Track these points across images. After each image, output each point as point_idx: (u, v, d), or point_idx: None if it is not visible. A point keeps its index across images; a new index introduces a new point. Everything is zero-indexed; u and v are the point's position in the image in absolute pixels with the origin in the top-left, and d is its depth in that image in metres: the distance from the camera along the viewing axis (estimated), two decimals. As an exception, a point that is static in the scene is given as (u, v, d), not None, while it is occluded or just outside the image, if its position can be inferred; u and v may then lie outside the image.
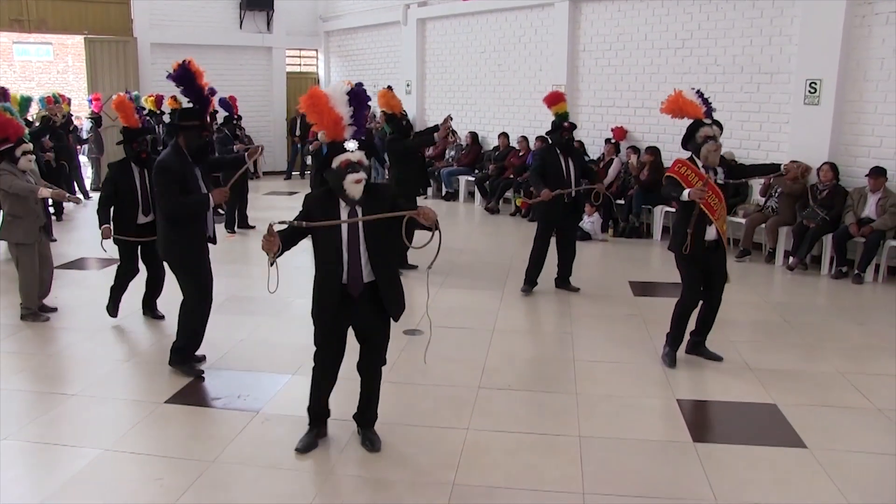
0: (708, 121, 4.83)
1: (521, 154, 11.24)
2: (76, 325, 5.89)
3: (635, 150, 9.79)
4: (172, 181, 4.47)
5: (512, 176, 11.07)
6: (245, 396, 4.51)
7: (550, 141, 6.72)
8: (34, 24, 13.57)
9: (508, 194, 11.20)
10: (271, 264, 3.41)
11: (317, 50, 16.59)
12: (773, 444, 3.91)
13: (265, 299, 6.67)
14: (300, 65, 16.69)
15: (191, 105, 4.75)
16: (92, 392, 4.57)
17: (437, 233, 3.33)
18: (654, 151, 9.42)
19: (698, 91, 4.97)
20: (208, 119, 4.71)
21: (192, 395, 4.58)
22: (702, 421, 4.20)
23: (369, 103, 3.69)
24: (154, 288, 5.96)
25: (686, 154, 4.93)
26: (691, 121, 4.87)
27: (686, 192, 4.66)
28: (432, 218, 3.36)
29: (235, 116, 10.63)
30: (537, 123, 11.47)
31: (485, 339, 5.55)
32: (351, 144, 3.46)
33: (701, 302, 5.03)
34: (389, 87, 7.72)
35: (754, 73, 8.73)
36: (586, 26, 10.69)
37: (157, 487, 3.48)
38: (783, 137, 8.55)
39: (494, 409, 4.31)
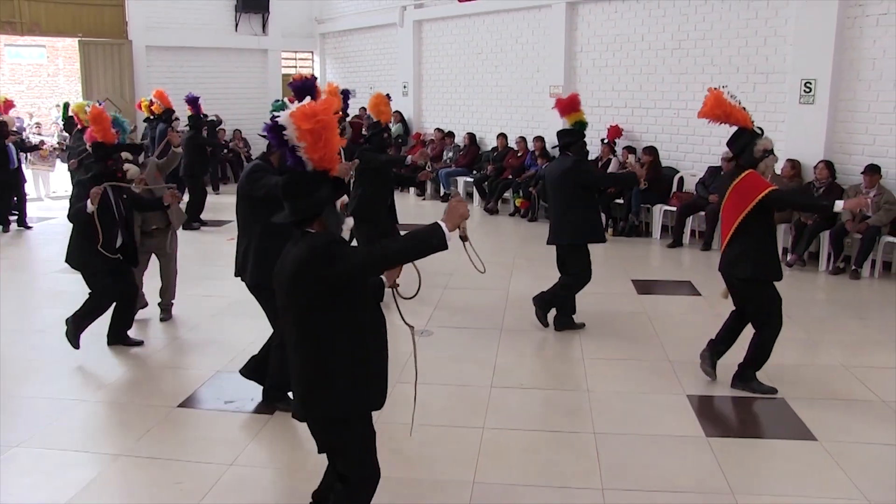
0: (760, 130, 4.42)
1: (519, 154, 11.30)
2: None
3: (631, 149, 9.87)
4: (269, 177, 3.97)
5: (511, 176, 11.13)
6: (258, 399, 4.54)
7: (570, 154, 5.59)
8: (27, 27, 13.48)
9: (507, 195, 11.25)
10: (466, 238, 2.73)
11: (312, 52, 16.59)
12: (784, 437, 4.00)
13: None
14: (296, 67, 16.68)
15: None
16: (101, 397, 4.59)
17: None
18: (652, 151, 9.51)
19: (729, 92, 4.46)
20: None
21: (205, 398, 4.61)
22: (713, 416, 4.27)
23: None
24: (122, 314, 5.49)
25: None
26: (736, 128, 4.41)
27: (841, 203, 4.24)
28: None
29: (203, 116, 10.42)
30: (535, 124, 11.55)
31: (493, 338, 5.60)
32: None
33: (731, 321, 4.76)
34: (388, 96, 7.34)
35: (750, 72, 8.83)
36: (583, 27, 10.76)
37: (177, 491, 3.50)
38: (779, 136, 8.62)
39: (508, 408, 4.37)
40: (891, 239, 7.43)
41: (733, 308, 4.78)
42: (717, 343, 4.83)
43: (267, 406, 4.43)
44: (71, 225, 5.18)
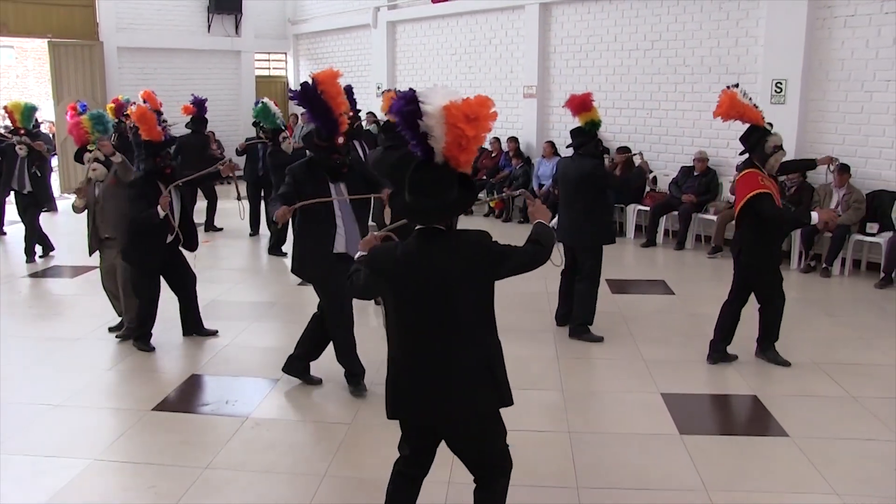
0: (769, 126, 4.68)
1: (493, 155, 11.33)
2: (52, 335, 5.80)
3: (605, 150, 9.94)
4: (290, 183, 4.30)
5: (485, 177, 11.15)
6: (233, 402, 4.51)
7: (581, 153, 5.46)
8: (-6, 28, 13.22)
9: (481, 195, 11.26)
10: None
11: (286, 53, 16.49)
12: (757, 433, 4.05)
13: (246, 304, 6.66)
14: (269, 68, 16.57)
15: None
16: (75, 402, 4.52)
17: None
18: (625, 151, 9.57)
19: (743, 91, 4.74)
20: (341, 140, 4.31)
21: (180, 402, 4.56)
22: (687, 413, 4.30)
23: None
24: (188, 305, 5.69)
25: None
26: (748, 125, 4.68)
27: (816, 215, 4.60)
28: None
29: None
30: (508, 125, 11.58)
31: (469, 339, 5.59)
32: None
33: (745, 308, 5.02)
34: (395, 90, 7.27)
35: (722, 73, 8.93)
36: (556, 28, 10.82)
37: (152, 495, 3.47)
38: (751, 136, 8.77)
39: (484, 408, 4.36)
40: (860, 237, 7.57)
41: (725, 301, 5.03)
42: (717, 342, 5.01)
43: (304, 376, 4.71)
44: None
